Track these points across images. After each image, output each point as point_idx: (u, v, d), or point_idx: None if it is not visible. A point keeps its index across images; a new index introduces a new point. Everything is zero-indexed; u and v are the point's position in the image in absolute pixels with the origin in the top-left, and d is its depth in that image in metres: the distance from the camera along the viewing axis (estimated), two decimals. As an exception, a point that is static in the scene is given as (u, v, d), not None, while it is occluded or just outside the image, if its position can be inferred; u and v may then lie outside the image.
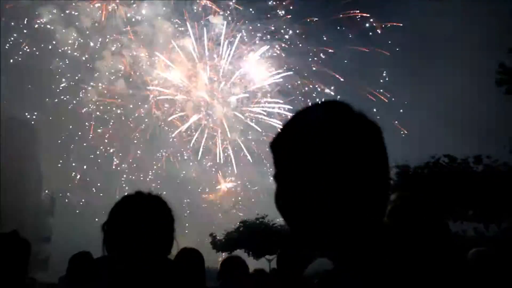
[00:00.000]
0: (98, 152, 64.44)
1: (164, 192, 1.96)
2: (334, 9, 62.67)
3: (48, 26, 61.60)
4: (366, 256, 0.93)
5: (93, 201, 60.12)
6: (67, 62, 63.43)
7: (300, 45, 63.84)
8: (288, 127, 1.03)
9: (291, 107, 62.23)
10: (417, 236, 0.98)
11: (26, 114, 58.39)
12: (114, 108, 64.35)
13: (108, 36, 63.60)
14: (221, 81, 64.81)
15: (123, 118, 64.82)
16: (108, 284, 1.77)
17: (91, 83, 63.71)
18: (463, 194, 22.31)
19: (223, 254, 39.73)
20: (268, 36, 63.89)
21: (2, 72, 52.68)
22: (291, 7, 63.94)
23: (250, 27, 64.02)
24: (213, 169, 67.07)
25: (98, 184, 63.87)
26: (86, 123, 63.35)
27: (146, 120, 65.04)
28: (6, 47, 57.83)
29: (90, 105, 63.47)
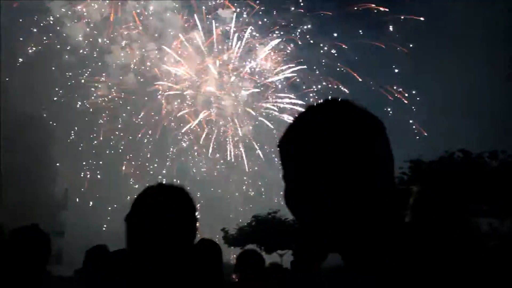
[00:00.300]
0: (108, 149, 64.87)
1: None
2: (349, 1, 62.02)
3: (58, 21, 61.85)
4: (375, 253, 0.96)
5: (105, 196, 60.75)
6: (77, 57, 63.79)
7: (311, 41, 63.47)
8: (294, 127, 1.06)
9: (303, 102, 61.99)
10: (439, 234, 0.99)
11: (41, 111, 58.89)
12: (121, 102, 64.55)
13: (116, 28, 63.68)
14: (231, 76, 64.70)
15: (133, 113, 65.06)
16: (130, 276, 1.74)
17: (101, 79, 64.00)
18: (478, 189, 22.09)
19: (235, 249, 39.86)
20: (279, 30, 63.48)
21: (13, 68, 53.11)
22: (302, 1, 63.53)
23: (260, 22, 63.71)
24: (223, 166, 66.95)
25: (109, 180, 64.32)
26: (100, 120, 63.75)
27: (156, 117, 65.22)
28: (18, 41, 58.14)
29: (99, 100, 63.76)
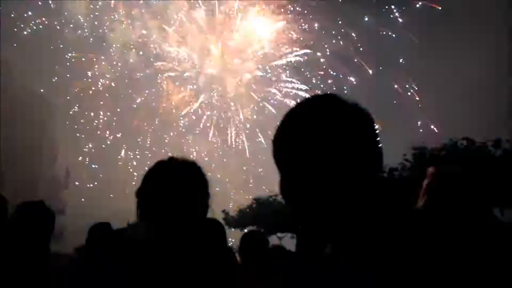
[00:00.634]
0: (108, 130, 64.65)
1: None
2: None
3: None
4: (366, 243, 1.00)
5: (106, 176, 60.85)
6: (78, 35, 63.16)
7: (316, 25, 62.75)
8: (286, 124, 1.09)
9: (307, 87, 61.58)
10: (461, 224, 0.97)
11: (42, 88, 58.53)
12: (124, 83, 63.94)
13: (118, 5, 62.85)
14: (234, 57, 64.07)
15: (134, 95, 64.55)
16: (141, 251, 1.68)
17: (102, 57, 63.42)
18: (480, 178, 21.98)
19: (234, 230, 40.02)
20: (283, 11, 62.51)
21: (15, 44, 52.62)
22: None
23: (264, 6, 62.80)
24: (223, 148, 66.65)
25: (110, 159, 64.32)
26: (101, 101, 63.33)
27: (156, 99, 64.70)
28: (19, 17, 57.55)
29: (101, 80, 63.26)
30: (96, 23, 63.58)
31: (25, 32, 58.45)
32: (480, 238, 0.90)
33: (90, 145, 64.22)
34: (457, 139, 24.93)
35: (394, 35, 59.87)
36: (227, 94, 65.04)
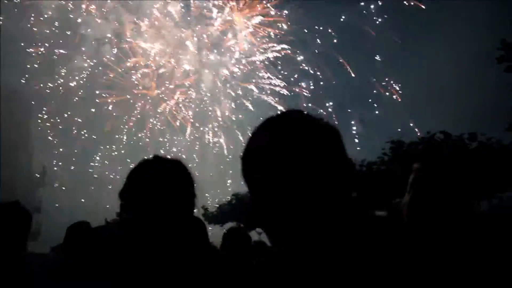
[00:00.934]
0: (85, 127, 63.59)
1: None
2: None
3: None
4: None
5: (81, 175, 60.04)
6: (53, 29, 61.80)
7: (293, 19, 62.80)
8: (253, 142, 1.09)
9: (285, 84, 61.63)
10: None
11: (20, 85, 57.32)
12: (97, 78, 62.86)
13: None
14: (210, 53, 63.52)
15: (105, 95, 63.44)
16: (122, 252, 1.61)
17: (76, 53, 62.07)
18: (457, 170, 22.35)
19: (214, 227, 39.95)
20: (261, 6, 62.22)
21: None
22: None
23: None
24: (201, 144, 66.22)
25: (86, 158, 63.42)
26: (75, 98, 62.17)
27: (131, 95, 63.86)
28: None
29: (76, 73, 61.92)
30: (70, 16, 62.08)
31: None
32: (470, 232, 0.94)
33: (66, 144, 63.10)
34: (434, 132, 25.34)
35: (373, 33, 60.19)
36: (203, 90, 64.48)
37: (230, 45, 63.55)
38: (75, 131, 63.79)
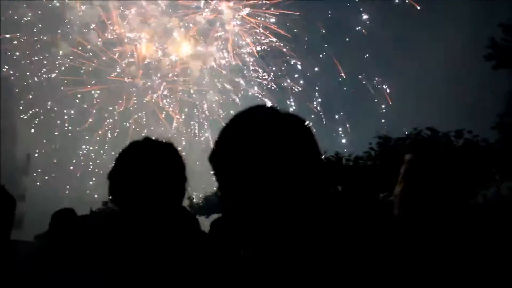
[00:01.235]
0: (72, 112, 62.71)
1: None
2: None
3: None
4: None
5: (66, 163, 59.43)
6: (38, 12, 60.37)
7: (282, 13, 62.59)
8: (223, 139, 1.08)
9: (272, 77, 61.49)
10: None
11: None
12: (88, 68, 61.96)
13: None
14: (197, 43, 62.92)
15: (93, 82, 62.48)
16: (115, 232, 1.55)
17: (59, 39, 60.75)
18: (449, 162, 22.55)
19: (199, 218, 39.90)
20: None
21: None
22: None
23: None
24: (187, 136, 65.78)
25: (70, 145, 62.65)
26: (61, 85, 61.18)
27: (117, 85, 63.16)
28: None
29: (59, 59, 60.63)
30: (54, 3, 60.66)
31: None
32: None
33: (50, 132, 62.18)
34: (421, 128, 25.51)
35: (364, 31, 60.11)
36: (190, 81, 63.93)
37: (217, 36, 62.96)
38: (59, 120, 62.85)
